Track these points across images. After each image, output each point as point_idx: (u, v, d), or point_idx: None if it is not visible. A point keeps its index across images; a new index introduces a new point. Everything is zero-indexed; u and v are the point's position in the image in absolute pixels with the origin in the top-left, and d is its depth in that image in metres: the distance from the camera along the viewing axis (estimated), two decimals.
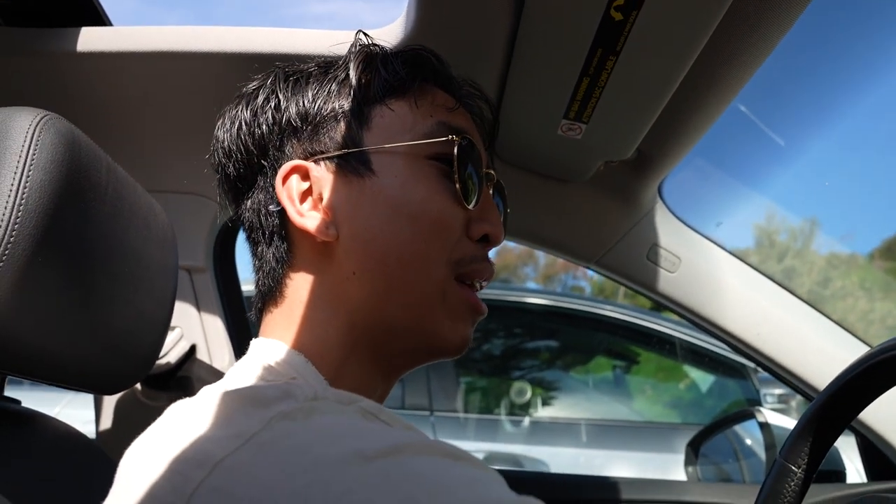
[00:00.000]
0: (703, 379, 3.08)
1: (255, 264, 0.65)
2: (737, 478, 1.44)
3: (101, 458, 0.80)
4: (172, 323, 0.90)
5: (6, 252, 0.54)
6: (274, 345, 0.58)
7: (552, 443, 2.62)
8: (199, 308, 1.02)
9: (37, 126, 0.60)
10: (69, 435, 0.78)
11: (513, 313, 2.95)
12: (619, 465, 2.45)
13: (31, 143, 0.58)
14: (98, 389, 0.75)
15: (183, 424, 0.43)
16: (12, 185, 0.56)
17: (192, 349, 1.00)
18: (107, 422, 1.02)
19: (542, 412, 2.88)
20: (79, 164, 0.62)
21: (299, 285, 0.60)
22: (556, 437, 2.67)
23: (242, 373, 0.55)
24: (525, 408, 2.86)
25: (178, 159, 0.99)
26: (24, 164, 0.57)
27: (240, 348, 1.05)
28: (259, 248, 0.63)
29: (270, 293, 0.62)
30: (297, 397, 0.43)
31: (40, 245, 0.57)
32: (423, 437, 0.42)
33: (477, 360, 3.07)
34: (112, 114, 0.94)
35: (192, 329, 1.02)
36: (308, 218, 0.58)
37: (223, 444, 0.39)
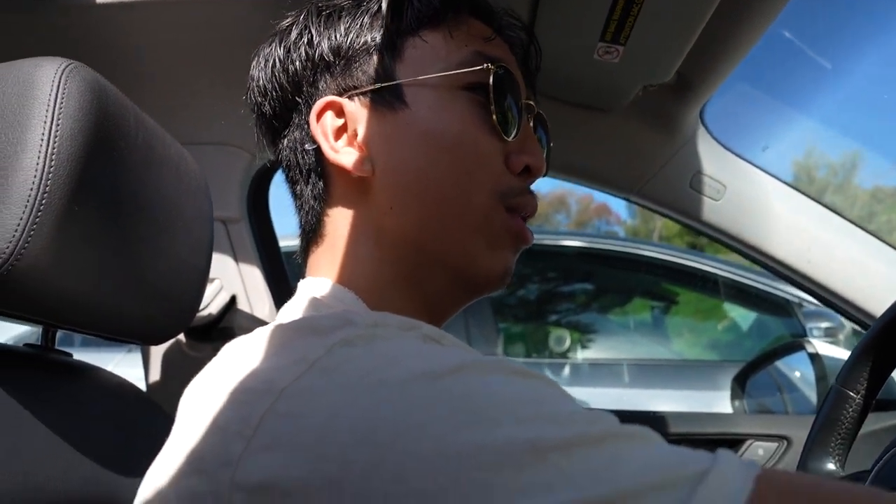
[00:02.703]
0: (744, 316, 3.04)
1: (296, 204, 0.64)
2: (799, 408, 1.42)
3: (152, 408, 0.82)
4: (211, 275, 0.90)
5: (43, 202, 0.54)
6: (322, 282, 0.58)
7: (594, 384, 2.62)
8: (236, 259, 1.02)
9: (62, 74, 0.58)
10: (121, 386, 0.79)
11: (548, 257, 2.93)
12: (662, 403, 2.44)
13: (57, 91, 0.57)
14: (143, 340, 0.76)
15: (242, 357, 0.43)
16: (43, 134, 0.55)
17: (233, 300, 1.01)
18: (155, 374, 1.04)
19: (582, 354, 2.88)
20: (107, 112, 0.61)
21: (339, 222, 0.59)
22: (598, 378, 2.67)
23: (294, 310, 0.54)
24: (565, 352, 2.86)
25: (209, 110, 0.97)
26: (53, 113, 0.57)
27: (279, 297, 1.06)
28: (298, 187, 0.62)
29: (312, 232, 0.61)
30: (358, 324, 0.42)
31: (76, 194, 0.57)
32: (488, 356, 0.41)
33: (514, 304, 3.07)
34: (139, 65, 0.93)
35: (231, 280, 1.02)
36: (343, 154, 0.57)
37: (287, 371, 0.39)
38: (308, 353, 0.39)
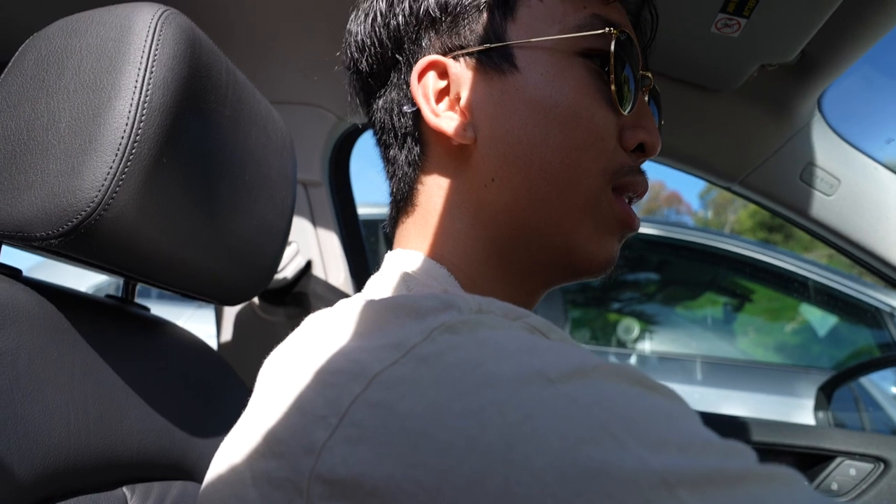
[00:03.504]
0: (824, 320, 2.87)
1: (387, 170, 0.60)
2: (879, 428, 1.31)
3: (224, 369, 0.81)
4: (289, 239, 0.88)
5: (133, 151, 0.52)
6: (412, 255, 0.54)
7: (663, 378, 2.53)
8: (314, 223, 1.00)
9: (158, 21, 0.56)
10: (194, 343, 0.78)
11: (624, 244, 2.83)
12: (735, 405, 2.34)
13: (153, 38, 0.55)
14: (220, 299, 0.75)
15: (328, 333, 0.40)
16: (136, 82, 0.54)
17: (308, 265, 0.99)
18: (227, 334, 1.04)
19: (651, 346, 2.79)
20: (199, 63, 0.59)
21: (433, 192, 0.55)
22: (667, 373, 2.58)
23: (382, 285, 0.51)
24: (633, 342, 2.77)
25: (296, 68, 0.95)
26: (148, 60, 0.55)
27: (355, 265, 1.04)
28: (391, 152, 0.59)
29: (404, 201, 0.58)
30: (461, 308, 0.38)
31: (165, 145, 0.55)
32: (606, 360, 0.36)
33: (583, 290, 2.99)
34: (232, 15, 0.91)
35: (308, 244, 1.00)
36: (444, 118, 0.53)
37: (379, 356, 0.35)
38: (405, 337, 0.36)
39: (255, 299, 1.01)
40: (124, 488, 0.60)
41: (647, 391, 0.34)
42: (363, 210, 1.30)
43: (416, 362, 0.34)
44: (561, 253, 0.54)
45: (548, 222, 0.53)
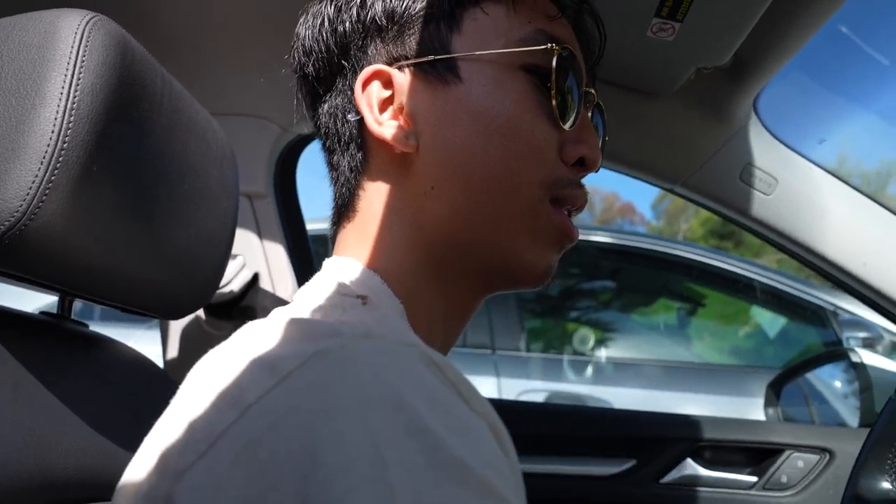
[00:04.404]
0: (774, 321, 2.96)
1: (331, 176, 0.60)
2: (826, 421, 1.35)
3: (169, 385, 0.79)
4: (234, 251, 0.86)
5: (60, 159, 0.50)
6: (348, 263, 0.53)
7: (618, 384, 2.56)
8: (260, 236, 0.99)
9: (86, 27, 0.55)
10: (137, 359, 0.76)
11: (574, 252, 2.87)
12: (689, 406, 2.38)
13: (80, 44, 0.54)
14: (162, 313, 0.73)
15: (233, 349, 0.39)
16: (63, 88, 0.52)
17: (255, 278, 0.97)
18: (173, 351, 1.01)
19: (606, 353, 2.82)
20: (131, 70, 0.58)
21: (374, 199, 0.55)
22: (622, 379, 2.61)
23: (313, 294, 0.50)
24: (588, 349, 2.80)
25: (238, 79, 0.93)
26: (74, 66, 0.53)
27: (302, 276, 1.02)
28: (334, 157, 0.59)
29: (345, 206, 0.57)
30: (344, 334, 0.37)
31: (95, 153, 0.53)
32: (479, 432, 0.35)
33: (538, 299, 3.01)
34: (166, 25, 0.89)
35: (255, 257, 0.98)
36: (387, 127, 0.53)
37: (257, 381, 0.35)
38: (284, 361, 0.35)
39: (202, 314, 0.99)
40: None
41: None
42: (316, 226, 1.29)
43: (286, 396, 0.33)
44: (499, 262, 0.54)
45: (486, 232, 0.53)
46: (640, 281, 3.18)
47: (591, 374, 2.65)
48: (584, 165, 0.56)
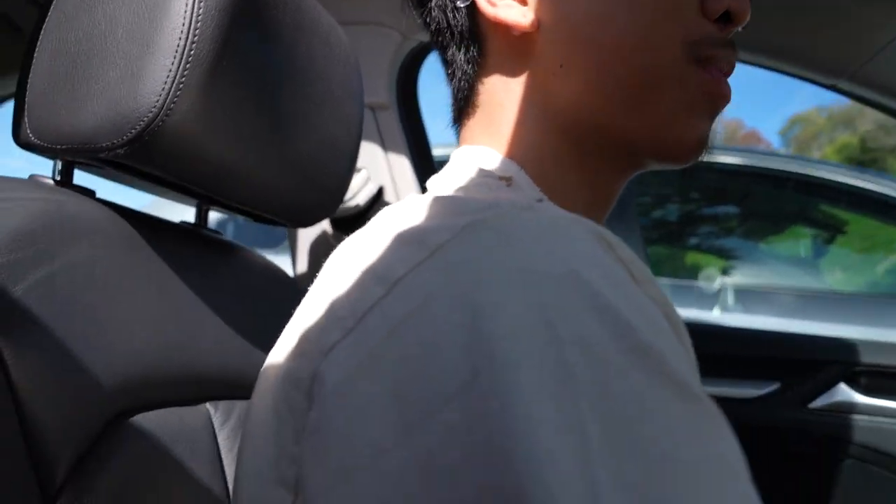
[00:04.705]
0: None
1: (447, 73, 0.56)
2: None
3: (299, 294, 0.80)
4: (358, 165, 0.85)
5: (191, 52, 0.49)
6: (480, 151, 0.50)
7: (749, 311, 2.41)
8: (384, 147, 0.97)
9: None
10: (270, 268, 0.77)
11: (700, 174, 2.68)
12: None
13: None
14: (291, 221, 0.73)
15: (375, 231, 0.37)
16: None
17: (380, 191, 0.96)
18: (302, 265, 1.03)
19: (735, 280, 2.66)
20: None
21: (496, 89, 0.51)
22: (753, 306, 2.46)
23: (449, 179, 0.47)
24: (717, 277, 2.65)
25: None
26: None
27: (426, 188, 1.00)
28: (449, 52, 0.54)
29: (466, 102, 0.54)
30: (501, 205, 0.34)
31: (224, 47, 0.52)
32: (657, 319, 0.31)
33: (662, 225, 2.88)
34: None
35: (379, 170, 0.97)
36: (501, 8, 0.48)
37: (405, 256, 0.32)
38: (434, 234, 0.32)
39: (329, 228, 1.00)
40: (208, 404, 0.60)
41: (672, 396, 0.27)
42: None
43: (440, 269, 0.30)
44: (644, 139, 0.49)
45: (627, 106, 0.47)
46: (770, 205, 2.95)
47: (719, 301, 2.51)
48: (731, 20, 0.48)
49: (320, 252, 1.01)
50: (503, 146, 0.50)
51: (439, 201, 0.36)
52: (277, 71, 0.60)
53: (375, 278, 0.32)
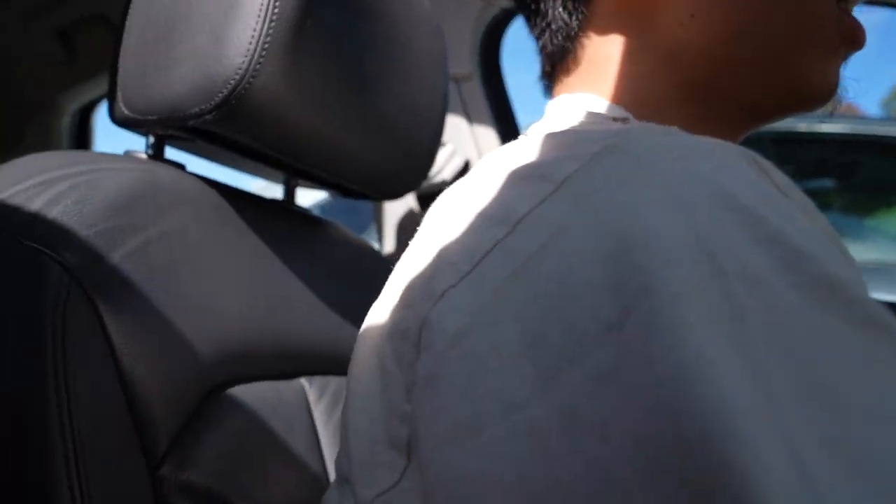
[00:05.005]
0: None
1: (538, 27, 0.52)
2: None
3: (389, 269, 0.78)
4: (443, 139, 0.82)
5: (275, 11, 0.48)
6: (584, 97, 0.46)
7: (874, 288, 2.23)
8: (469, 120, 0.94)
9: None
10: (360, 244, 0.76)
11: (804, 145, 2.51)
12: None
13: None
14: (378, 192, 0.71)
15: (483, 173, 0.34)
16: None
17: (467, 165, 0.93)
18: (389, 244, 1.02)
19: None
20: None
21: (604, 40, 0.47)
22: (871, 282, 2.28)
23: (552, 124, 0.44)
24: None
25: None
26: None
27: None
28: (542, 5, 0.50)
29: (563, 56, 0.49)
30: (629, 130, 0.30)
31: (307, 7, 0.50)
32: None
33: None
34: None
35: (464, 144, 0.94)
36: None
37: (527, 192, 0.29)
38: (559, 165, 0.28)
39: (416, 205, 0.98)
40: (302, 379, 0.59)
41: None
42: None
43: (570, 201, 0.27)
44: (777, 86, 0.44)
45: (767, 55, 0.43)
46: (880, 177, 2.72)
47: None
48: None
49: (408, 230, 0.99)
50: (613, 94, 0.46)
51: (554, 136, 0.32)
52: (360, 35, 0.58)
53: (492, 220, 0.29)
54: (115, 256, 0.43)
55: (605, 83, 0.47)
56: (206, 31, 0.49)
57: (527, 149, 0.32)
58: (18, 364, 0.36)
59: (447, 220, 0.32)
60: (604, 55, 0.47)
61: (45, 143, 1.45)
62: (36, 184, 0.44)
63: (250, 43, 0.47)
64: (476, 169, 0.37)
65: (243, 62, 0.47)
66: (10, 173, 0.45)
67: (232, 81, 0.47)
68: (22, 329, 0.37)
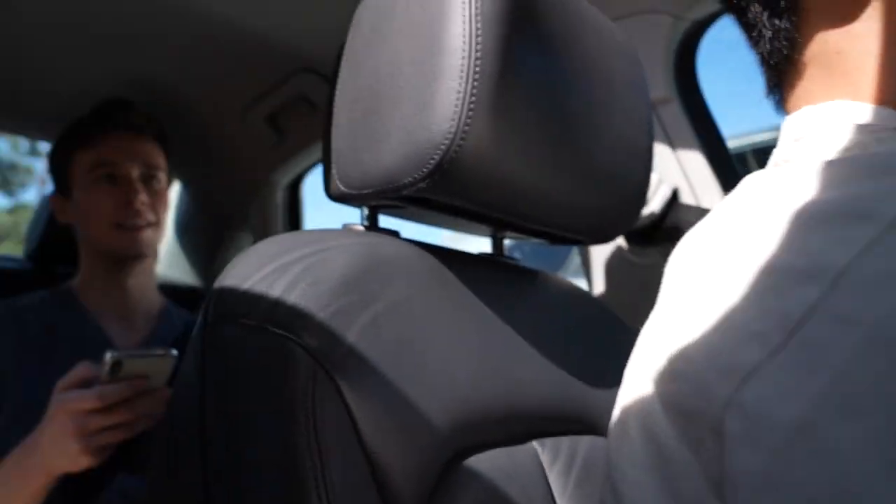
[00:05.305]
0: None
1: (750, 38, 0.47)
2: None
3: (607, 314, 0.74)
4: None
5: (477, 69, 0.47)
6: (836, 105, 0.39)
7: None
8: (672, 145, 0.88)
9: None
10: (575, 291, 0.73)
11: None
12: None
13: None
14: (590, 237, 0.67)
15: (756, 211, 0.28)
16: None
17: (675, 193, 0.86)
18: (598, 284, 0.97)
19: None
20: None
21: (830, 34, 0.41)
22: None
23: (810, 147, 0.38)
24: None
25: None
26: None
27: (727, 184, 0.88)
28: (750, 13, 0.45)
29: (786, 62, 0.44)
30: None
31: (506, 59, 0.49)
32: None
33: None
34: None
35: (670, 171, 0.88)
36: None
37: (841, 238, 0.23)
38: (878, 203, 0.23)
39: (623, 242, 0.92)
40: (534, 442, 0.56)
41: None
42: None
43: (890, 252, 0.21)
44: None
45: None
46: None
47: None
48: None
49: (617, 270, 0.94)
50: (864, 96, 0.39)
51: (847, 164, 0.26)
52: (561, 76, 0.55)
53: (797, 275, 0.24)
54: (350, 335, 0.43)
55: (851, 82, 0.40)
56: (411, 100, 0.49)
57: (805, 181, 0.27)
58: (277, 450, 0.37)
59: (713, 275, 0.28)
60: (833, 50, 0.41)
61: (265, 218, 1.61)
62: (273, 270, 0.46)
63: (456, 106, 0.47)
64: (728, 207, 0.32)
65: (451, 126, 0.47)
66: (249, 262, 0.48)
67: (441, 147, 0.47)
68: (277, 415, 0.38)
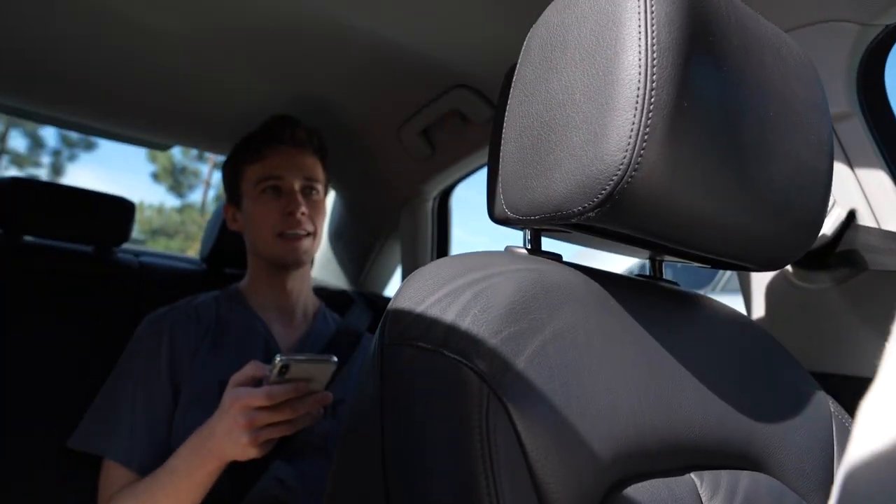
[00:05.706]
0: None
1: None
2: None
3: (772, 343, 0.70)
4: None
5: (652, 100, 0.47)
6: None
7: None
8: (850, 163, 0.81)
9: None
10: (738, 318, 0.70)
11: None
12: None
13: None
14: (759, 263, 0.64)
15: None
16: (639, 26, 0.48)
17: (851, 215, 0.80)
18: (759, 310, 0.92)
19: None
20: None
21: None
22: None
23: None
24: None
25: None
26: (645, 2, 0.49)
27: None
28: None
29: None
30: None
31: (683, 87, 0.48)
32: None
33: None
34: None
35: (847, 192, 0.81)
36: None
37: None
38: None
39: (789, 266, 0.87)
40: (692, 475, 0.55)
41: None
42: None
43: None
44: None
45: None
46: None
47: None
48: None
49: (779, 294, 0.89)
50: None
51: None
52: (735, 99, 0.54)
53: None
54: (519, 362, 0.45)
55: None
56: (583, 130, 0.50)
57: None
58: (454, 475, 0.39)
59: None
60: None
61: (415, 227, 1.67)
62: (445, 294, 0.48)
63: (629, 137, 0.47)
64: None
65: (624, 157, 0.47)
66: (421, 284, 0.51)
67: (614, 178, 0.47)
68: (454, 440, 0.40)
